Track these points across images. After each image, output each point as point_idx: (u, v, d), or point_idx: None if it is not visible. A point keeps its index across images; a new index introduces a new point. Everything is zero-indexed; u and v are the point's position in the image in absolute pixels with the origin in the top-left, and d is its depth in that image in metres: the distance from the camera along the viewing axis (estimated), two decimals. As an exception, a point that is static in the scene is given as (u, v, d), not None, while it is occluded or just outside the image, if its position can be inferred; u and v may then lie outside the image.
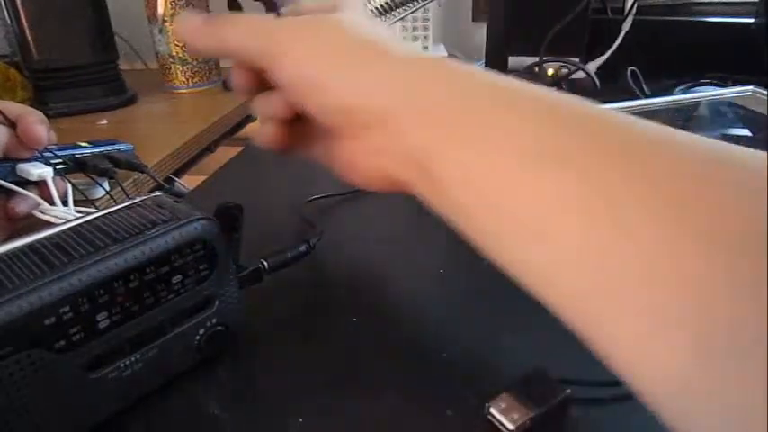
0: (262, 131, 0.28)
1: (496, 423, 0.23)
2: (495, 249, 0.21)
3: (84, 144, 0.40)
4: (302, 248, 0.34)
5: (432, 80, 0.23)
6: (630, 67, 0.68)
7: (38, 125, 0.34)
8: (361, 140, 0.24)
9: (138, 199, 0.26)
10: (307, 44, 0.24)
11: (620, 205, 0.17)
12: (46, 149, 0.35)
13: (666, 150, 0.18)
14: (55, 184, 0.33)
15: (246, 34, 0.26)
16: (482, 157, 0.20)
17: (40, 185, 0.33)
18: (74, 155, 0.38)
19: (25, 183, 0.34)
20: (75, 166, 0.37)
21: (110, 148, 0.41)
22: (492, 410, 0.23)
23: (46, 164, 0.35)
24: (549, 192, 0.18)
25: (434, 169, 0.22)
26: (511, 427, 0.22)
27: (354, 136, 0.25)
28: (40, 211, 0.30)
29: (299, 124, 0.27)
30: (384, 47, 0.24)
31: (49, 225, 0.24)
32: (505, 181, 0.19)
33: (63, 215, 0.31)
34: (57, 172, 0.35)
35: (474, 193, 0.21)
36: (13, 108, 0.35)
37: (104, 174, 0.39)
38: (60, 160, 0.36)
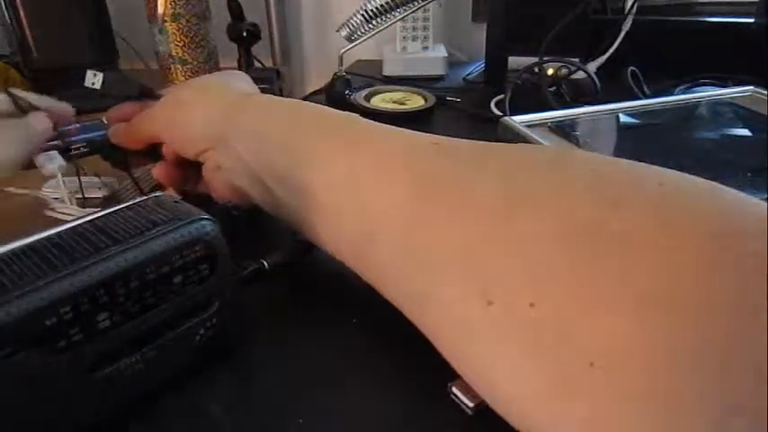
0: (156, 171, 0.38)
1: (458, 401, 0.24)
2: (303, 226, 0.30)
3: (105, 121, 0.40)
4: (302, 248, 0.34)
5: (240, 111, 0.33)
6: (630, 67, 0.68)
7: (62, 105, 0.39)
8: (208, 162, 0.34)
9: (138, 199, 0.26)
10: (167, 119, 0.36)
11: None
12: (66, 135, 0.36)
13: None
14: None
15: (142, 127, 0.37)
16: (276, 156, 0.30)
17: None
18: (92, 138, 0.38)
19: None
20: (91, 150, 0.38)
21: None
22: (454, 389, 0.24)
23: (64, 151, 0.35)
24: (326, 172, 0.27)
25: (257, 171, 0.31)
26: (471, 404, 0.24)
27: (205, 159, 0.34)
28: (51, 209, 0.30)
29: (182, 170, 0.38)
30: (211, 96, 0.35)
31: (49, 225, 0.24)
32: (284, 170, 0.29)
33: (73, 213, 0.31)
34: (77, 156, 0.36)
35: (275, 179, 0.30)
36: (36, 99, 0.36)
37: (119, 163, 0.40)
38: (79, 146, 0.37)
